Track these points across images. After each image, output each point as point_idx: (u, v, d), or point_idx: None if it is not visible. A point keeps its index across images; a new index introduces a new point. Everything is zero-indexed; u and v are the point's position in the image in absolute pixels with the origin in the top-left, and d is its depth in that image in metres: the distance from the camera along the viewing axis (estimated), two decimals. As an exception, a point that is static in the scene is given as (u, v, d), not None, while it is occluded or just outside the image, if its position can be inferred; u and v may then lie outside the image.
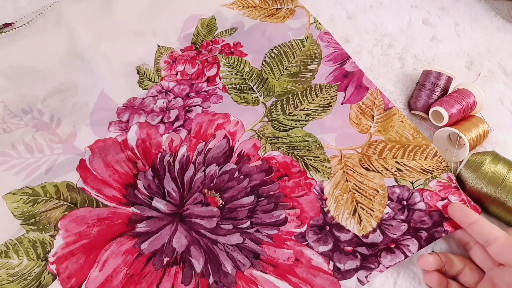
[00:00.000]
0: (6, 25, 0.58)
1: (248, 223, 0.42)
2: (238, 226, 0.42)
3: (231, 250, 0.41)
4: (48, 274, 0.40)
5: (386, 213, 0.42)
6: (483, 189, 0.40)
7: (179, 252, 0.41)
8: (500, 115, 0.49)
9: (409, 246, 0.39)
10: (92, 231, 0.42)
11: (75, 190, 0.45)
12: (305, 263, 0.40)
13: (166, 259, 0.40)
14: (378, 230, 0.41)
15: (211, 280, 0.39)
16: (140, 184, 0.45)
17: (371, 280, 0.38)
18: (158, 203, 0.44)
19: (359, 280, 0.38)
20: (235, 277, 0.39)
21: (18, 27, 0.57)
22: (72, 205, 0.44)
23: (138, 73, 0.55)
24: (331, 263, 0.39)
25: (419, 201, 0.42)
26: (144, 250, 0.41)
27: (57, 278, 0.40)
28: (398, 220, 0.41)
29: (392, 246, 0.39)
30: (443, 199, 0.42)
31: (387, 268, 0.38)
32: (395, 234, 0.40)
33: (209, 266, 0.40)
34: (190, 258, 0.40)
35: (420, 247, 0.39)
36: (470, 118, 0.46)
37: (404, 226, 0.41)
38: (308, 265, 0.39)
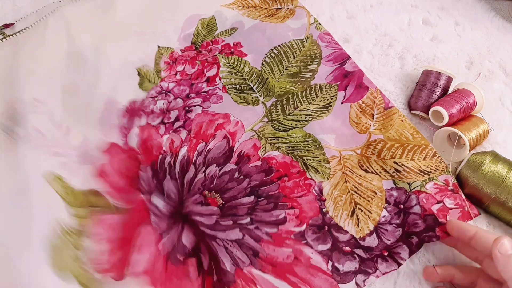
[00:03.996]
0: (6, 26, 0.58)
1: (248, 219, 0.42)
2: (238, 222, 0.42)
3: (230, 246, 0.41)
4: None
5: (383, 216, 0.42)
6: (483, 189, 0.40)
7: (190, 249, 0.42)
8: (500, 115, 0.49)
9: (400, 254, 0.39)
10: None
11: (96, 196, 0.45)
12: (304, 262, 0.40)
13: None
14: (374, 234, 0.41)
15: (215, 278, 0.39)
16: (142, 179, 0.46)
17: (368, 284, 0.39)
18: (158, 201, 0.44)
19: (357, 284, 0.39)
20: (234, 275, 0.39)
21: (20, 31, 0.57)
22: (98, 210, 0.45)
23: (138, 74, 0.55)
24: (330, 263, 0.39)
25: (415, 205, 0.42)
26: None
27: None
28: (393, 224, 0.41)
29: (385, 254, 0.40)
30: (438, 202, 0.41)
31: (383, 274, 0.39)
32: (389, 240, 0.40)
33: (212, 264, 0.40)
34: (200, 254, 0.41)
35: (411, 252, 0.39)
36: (470, 118, 0.46)
37: (399, 232, 0.41)
38: (307, 264, 0.40)
